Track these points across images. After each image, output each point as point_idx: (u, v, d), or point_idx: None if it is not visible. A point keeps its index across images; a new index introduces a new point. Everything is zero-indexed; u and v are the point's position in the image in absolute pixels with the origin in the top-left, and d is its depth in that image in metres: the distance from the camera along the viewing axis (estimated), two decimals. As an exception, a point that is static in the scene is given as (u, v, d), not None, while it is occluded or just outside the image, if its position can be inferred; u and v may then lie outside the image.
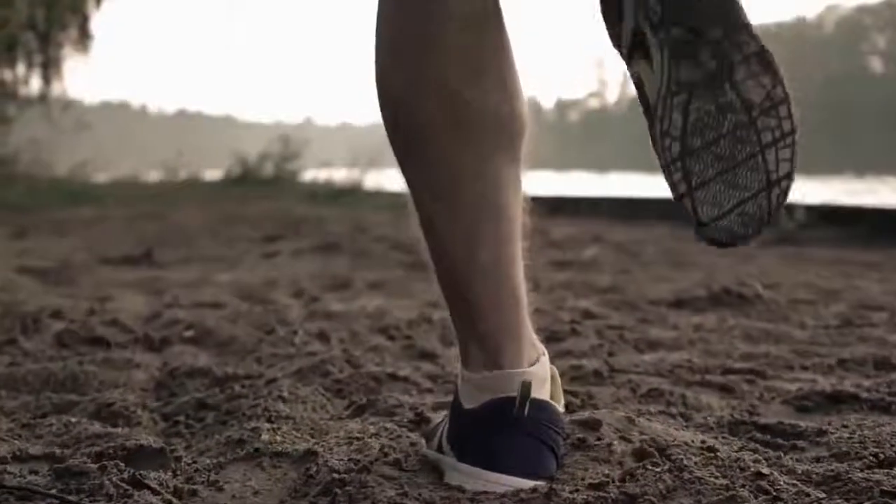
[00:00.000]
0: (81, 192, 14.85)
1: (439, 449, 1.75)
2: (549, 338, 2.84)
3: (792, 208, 8.48)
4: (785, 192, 1.60)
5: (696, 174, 1.58)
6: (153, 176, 20.93)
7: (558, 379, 1.77)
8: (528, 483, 1.58)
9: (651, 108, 1.60)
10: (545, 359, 1.73)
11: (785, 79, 1.57)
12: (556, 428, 1.66)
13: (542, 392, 1.67)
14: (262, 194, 15.20)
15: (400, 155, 1.74)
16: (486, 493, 1.58)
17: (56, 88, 21.26)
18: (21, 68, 20.91)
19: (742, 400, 2.27)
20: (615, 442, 1.72)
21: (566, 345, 2.90)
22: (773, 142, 1.58)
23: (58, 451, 1.83)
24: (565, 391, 1.95)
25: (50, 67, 21.01)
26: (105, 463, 1.66)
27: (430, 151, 1.69)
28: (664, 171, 1.60)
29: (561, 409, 1.73)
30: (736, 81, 1.55)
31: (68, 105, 21.27)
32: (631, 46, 1.61)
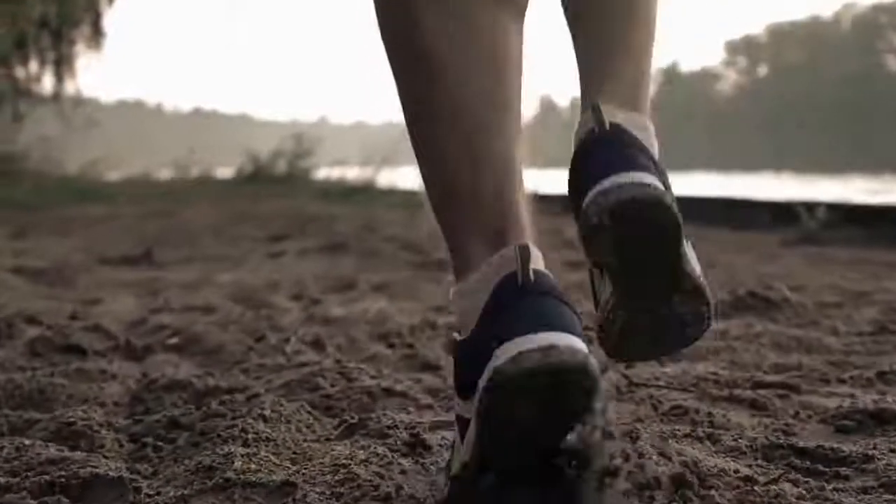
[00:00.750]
0: (91, 190, 14.68)
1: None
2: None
3: (813, 207, 8.26)
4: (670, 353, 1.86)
5: (625, 347, 1.75)
6: (165, 174, 20.81)
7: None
8: (561, 336, 1.36)
9: (598, 303, 1.70)
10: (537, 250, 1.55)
11: (712, 300, 1.69)
12: (565, 297, 1.46)
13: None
14: (274, 192, 15.02)
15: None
16: (524, 352, 1.31)
17: (69, 86, 21.20)
18: (34, 65, 20.86)
19: (775, 419, 2.03)
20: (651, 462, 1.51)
21: (580, 355, 2.64)
22: (694, 335, 1.70)
23: (2, 480, 1.61)
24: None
25: (62, 65, 20.89)
26: (46, 500, 1.44)
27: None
28: (604, 335, 1.72)
29: None
30: (672, 303, 1.64)
31: (81, 103, 21.16)
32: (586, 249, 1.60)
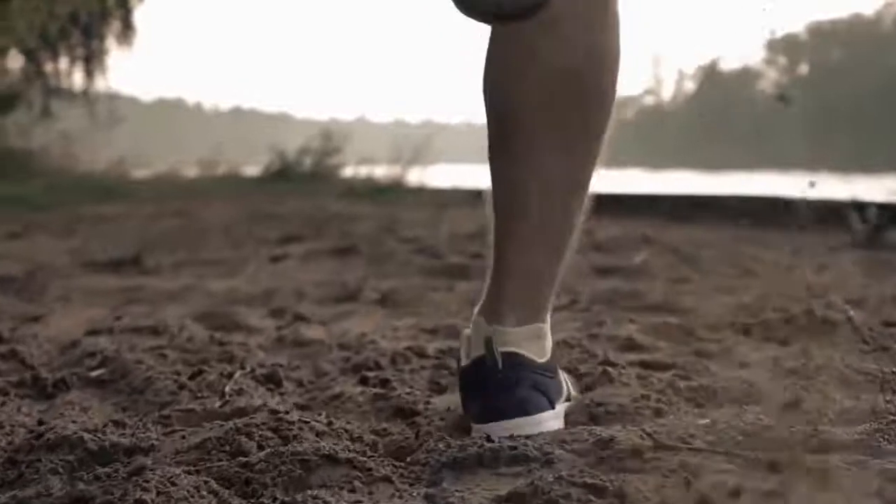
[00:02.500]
0: (111, 188, 14.26)
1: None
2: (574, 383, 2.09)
3: (862, 207, 7.70)
4: None
5: None
6: (192, 172, 20.46)
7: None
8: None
9: None
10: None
11: None
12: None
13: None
14: (299, 191, 14.59)
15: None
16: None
17: (99, 82, 20.89)
18: (63, 62, 20.53)
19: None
20: None
21: (595, 396, 2.07)
22: None
23: None
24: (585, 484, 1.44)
25: (92, 61, 20.56)
26: None
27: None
28: None
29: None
30: None
31: (111, 99, 20.87)
32: None
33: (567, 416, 1.90)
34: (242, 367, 2.23)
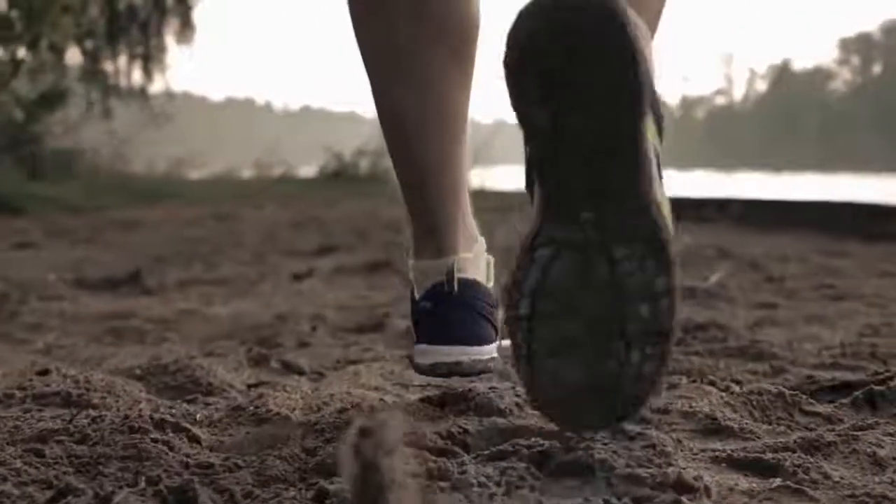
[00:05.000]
0: (159, 190, 13.74)
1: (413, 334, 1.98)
2: None
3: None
4: (636, 405, 1.41)
5: (541, 342, 1.38)
6: (248, 173, 20.06)
7: (492, 266, 2.01)
8: (471, 349, 1.86)
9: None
10: (481, 246, 2.01)
11: (677, 272, 1.34)
12: (487, 300, 1.95)
13: (474, 271, 1.95)
14: (354, 193, 14.01)
15: (372, 59, 1.91)
16: (437, 363, 1.86)
17: (158, 81, 20.61)
18: (122, 60, 20.19)
19: None
20: None
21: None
22: (639, 335, 1.33)
23: None
24: None
25: (151, 59, 20.25)
26: None
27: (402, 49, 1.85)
28: (507, 326, 1.42)
29: (491, 286, 1.98)
30: (614, 258, 1.34)
31: (170, 98, 20.66)
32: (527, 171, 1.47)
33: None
34: (135, 484, 1.47)
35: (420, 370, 1.91)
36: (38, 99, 14.43)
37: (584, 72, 1.33)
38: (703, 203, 9.50)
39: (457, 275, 1.92)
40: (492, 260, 2.02)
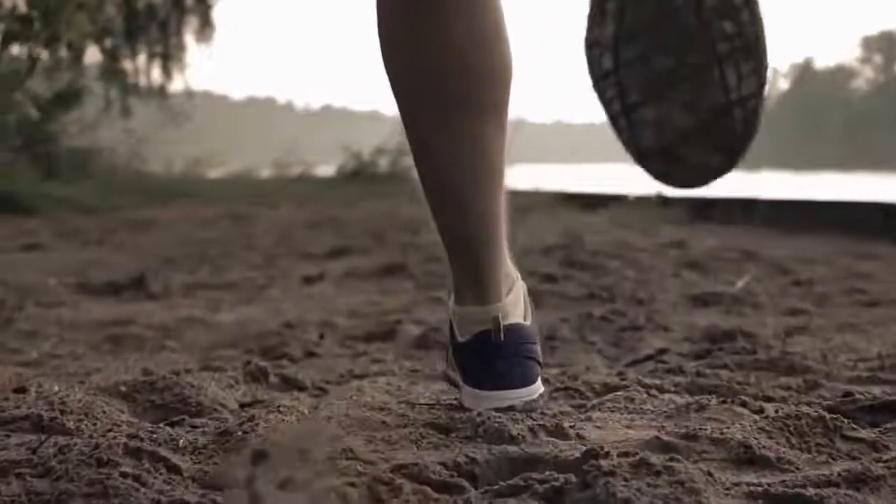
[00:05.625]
0: (175, 189, 13.61)
1: (452, 367, 2.05)
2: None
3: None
4: (752, 115, 1.39)
5: (634, 89, 1.36)
6: (266, 173, 19.93)
7: (527, 295, 2.05)
8: (519, 391, 1.93)
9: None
10: (518, 283, 2.02)
11: None
12: (531, 340, 1.98)
13: (516, 312, 1.97)
14: (373, 192, 13.84)
15: (406, 103, 1.89)
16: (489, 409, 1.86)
17: (177, 80, 20.52)
18: (142, 58, 20.08)
19: None
20: None
21: None
22: (730, 53, 1.30)
23: None
24: None
25: (170, 58, 20.14)
26: None
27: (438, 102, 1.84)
28: (596, 90, 1.42)
29: (531, 319, 2.01)
30: None
31: (190, 97, 20.58)
32: None
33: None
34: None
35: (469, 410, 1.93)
36: (54, 98, 14.30)
37: None
38: (726, 202, 9.31)
39: (503, 323, 1.93)
40: (526, 289, 2.05)
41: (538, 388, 1.98)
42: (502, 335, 1.92)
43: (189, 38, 20.32)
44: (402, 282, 4.73)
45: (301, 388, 2.41)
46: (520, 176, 14.36)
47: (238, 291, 4.51)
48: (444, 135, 1.87)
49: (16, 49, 14.32)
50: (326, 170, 19.32)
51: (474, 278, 1.95)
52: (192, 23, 20.39)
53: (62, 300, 4.19)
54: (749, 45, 1.32)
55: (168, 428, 1.84)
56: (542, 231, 7.46)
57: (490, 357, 1.94)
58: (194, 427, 1.92)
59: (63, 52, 15.06)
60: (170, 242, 7.05)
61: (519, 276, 2.05)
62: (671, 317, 3.71)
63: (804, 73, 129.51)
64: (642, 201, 10.46)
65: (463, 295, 1.97)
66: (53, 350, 3.13)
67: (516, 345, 1.95)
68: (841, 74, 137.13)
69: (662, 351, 2.93)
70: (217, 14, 22.11)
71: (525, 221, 8.14)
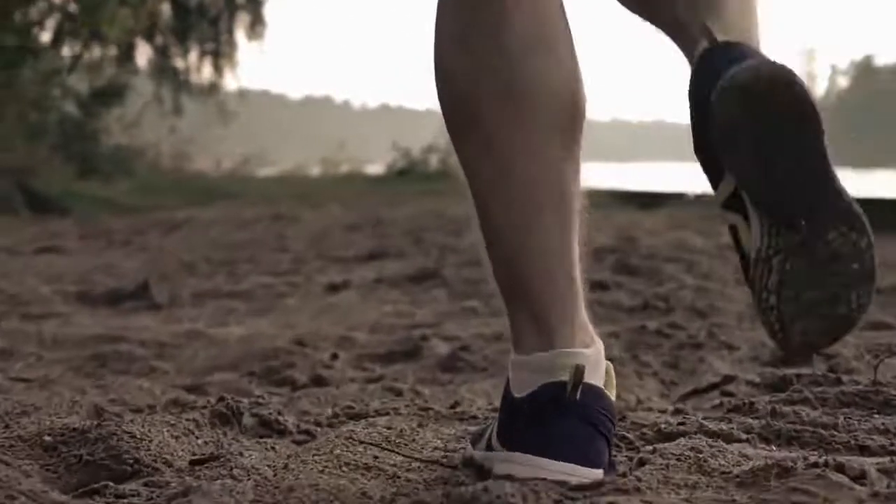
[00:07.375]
0: (224, 188, 13.32)
1: (488, 447, 1.69)
2: None
3: None
4: (856, 318, 1.63)
5: (789, 315, 1.61)
6: (316, 171, 19.67)
7: (612, 373, 1.67)
8: (581, 470, 1.55)
9: (748, 260, 1.63)
10: (600, 346, 1.66)
11: (870, 230, 1.60)
12: (609, 415, 1.62)
13: (595, 378, 1.62)
14: (422, 191, 13.48)
15: (455, 131, 1.66)
16: (536, 479, 1.49)
17: (229, 78, 20.39)
18: (193, 56, 19.93)
19: None
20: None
21: None
22: (854, 282, 1.61)
23: None
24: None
25: (221, 55, 19.99)
26: None
27: (486, 127, 1.63)
28: (759, 312, 1.62)
29: (613, 398, 1.66)
30: (828, 241, 1.60)
31: (242, 95, 20.50)
32: (726, 201, 1.64)
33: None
34: None
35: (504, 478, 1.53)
36: (95, 94, 14.01)
37: (789, 130, 1.58)
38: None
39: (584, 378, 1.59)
40: (612, 369, 1.68)
41: (600, 474, 1.57)
42: (579, 393, 1.56)
43: (240, 36, 20.18)
44: (434, 290, 4.32)
45: (281, 433, 1.96)
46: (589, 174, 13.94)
47: (252, 300, 4.11)
48: (487, 148, 1.64)
49: (66, 49, 14.16)
50: (376, 168, 19.07)
51: (535, 315, 1.64)
52: (243, 20, 20.27)
53: (52, 311, 3.81)
54: (870, 275, 1.62)
55: (81, 501, 1.40)
56: (594, 232, 7.01)
57: (555, 418, 1.57)
58: (118, 497, 1.47)
59: (106, 49, 14.84)
60: (197, 245, 6.66)
61: (602, 345, 1.67)
62: (735, 332, 3.37)
63: (864, 70, 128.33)
64: (702, 200, 9.97)
65: (523, 339, 1.65)
66: (21, 373, 2.73)
67: (594, 411, 1.59)
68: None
69: (728, 379, 2.50)
70: (270, 12, 21.89)
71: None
